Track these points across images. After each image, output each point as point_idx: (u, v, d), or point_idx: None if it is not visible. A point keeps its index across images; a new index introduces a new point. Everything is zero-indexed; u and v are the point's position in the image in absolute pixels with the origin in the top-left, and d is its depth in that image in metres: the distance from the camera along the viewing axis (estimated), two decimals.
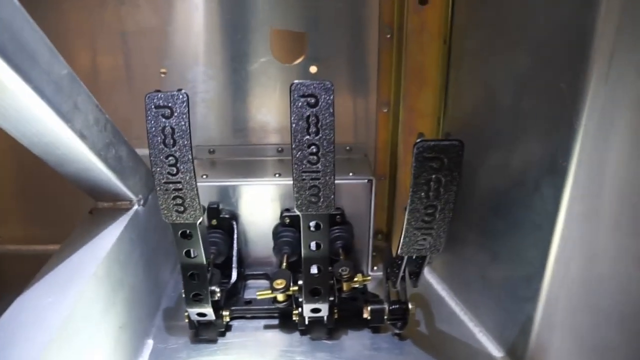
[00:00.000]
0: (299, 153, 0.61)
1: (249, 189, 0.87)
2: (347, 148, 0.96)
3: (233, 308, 0.80)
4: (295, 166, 0.61)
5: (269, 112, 0.94)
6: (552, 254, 0.63)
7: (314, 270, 0.71)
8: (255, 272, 0.91)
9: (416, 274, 0.70)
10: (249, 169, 0.92)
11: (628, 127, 0.52)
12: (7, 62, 0.44)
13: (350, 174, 0.87)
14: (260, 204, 0.88)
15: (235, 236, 0.86)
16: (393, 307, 0.76)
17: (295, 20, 0.88)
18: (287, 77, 0.90)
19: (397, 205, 0.97)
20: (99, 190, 0.73)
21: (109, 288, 0.65)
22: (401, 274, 0.69)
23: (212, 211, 0.86)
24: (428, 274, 0.95)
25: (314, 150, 0.61)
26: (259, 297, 0.76)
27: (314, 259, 0.70)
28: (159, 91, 0.59)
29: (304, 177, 0.62)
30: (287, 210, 0.88)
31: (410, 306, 0.76)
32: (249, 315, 0.82)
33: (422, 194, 0.56)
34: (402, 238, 0.60)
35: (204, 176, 0.87)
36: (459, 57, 0.83)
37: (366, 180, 0.86)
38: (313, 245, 0.69)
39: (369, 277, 0.76)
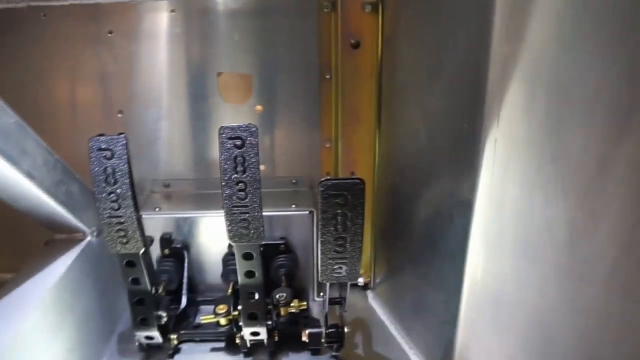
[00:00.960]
0: (229, 190, 0.67)
1: (199, 221, 0.92)
2: (294, 181, 1.01)
3: (181, 332, 0.85)
4: (226, 202, 0.67)
5: None
6: (465, 280, 0.69)
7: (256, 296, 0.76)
8: (206, 298, 0.95)
9: (343, 299, 0.75)
10: (201, 201, 0.98)
11: (519, 165, 0.58)
12: None
13: (293, 205, 0.92)
14: (210, 235, 0.93)
15: (185, 265, 0.91)
16: (329, 330, 0.81)
17: (243, 64, 0.95)
18: (236, 116, 0.96)
19: None
20: (53, 223, 0.79)
21: (56, 315, 0.71)
22: (326, 299, 0.74)
23: (165, 241, 0.91)
24: (372, 300, 1.00)
25: (242, 187, 0.67)
26: (202, 322, 0.81)
27: (249, 286, 0.75)
28: (102, 134, 0.66)
29: (234, 212, 0.68)
30: None
31: (346, 329, 0.81)
32: (197, 339, 0.87)
33: (331, 227, 0.62)
34: (319, 267, 0.66)
35: (157, 209, 0.93)
36: (388, 97, 0.89)
37: (308, 212, 0.91)
38: (248, 273, 0.74)
39: (305, 303, 0.81)
